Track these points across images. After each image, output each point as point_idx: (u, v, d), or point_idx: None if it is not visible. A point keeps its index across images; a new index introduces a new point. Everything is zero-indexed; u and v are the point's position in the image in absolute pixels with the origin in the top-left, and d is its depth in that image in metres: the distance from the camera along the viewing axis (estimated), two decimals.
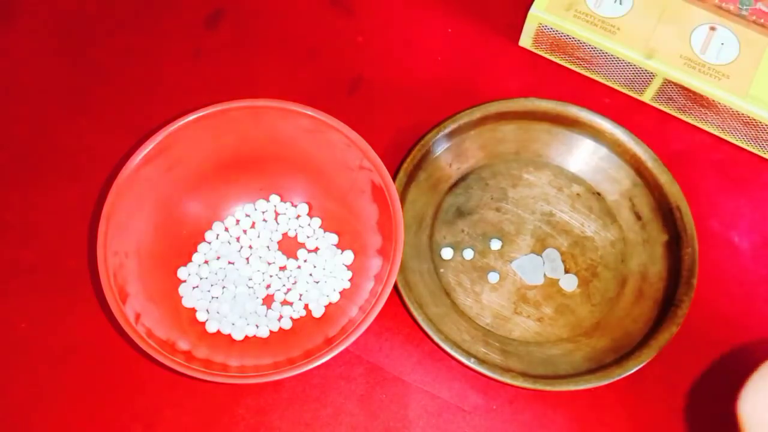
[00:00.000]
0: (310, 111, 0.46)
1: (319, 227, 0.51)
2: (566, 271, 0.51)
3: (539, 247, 0.52)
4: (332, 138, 0.47)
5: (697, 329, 0.50)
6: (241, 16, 0.60)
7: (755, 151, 0.55)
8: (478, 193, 0.53)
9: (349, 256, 0.49)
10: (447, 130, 0.51)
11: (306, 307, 0.49)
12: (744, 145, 0.56)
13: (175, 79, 0.57)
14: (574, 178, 0.53)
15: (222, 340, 0.47)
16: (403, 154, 0.51)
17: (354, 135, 0.46)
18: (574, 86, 0.57)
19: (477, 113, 0.52)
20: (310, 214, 0.51)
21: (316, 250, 0.51)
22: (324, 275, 0.49)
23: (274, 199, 0.52)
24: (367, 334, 0.50)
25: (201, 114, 0.46)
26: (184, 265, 0.49)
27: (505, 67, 0.58)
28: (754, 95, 0.52)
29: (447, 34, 0.60)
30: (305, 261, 0.50)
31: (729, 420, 0.48)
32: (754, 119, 0.53)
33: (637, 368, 0.46)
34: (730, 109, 0.53)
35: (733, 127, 0.55)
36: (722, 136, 0.56)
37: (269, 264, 0.50)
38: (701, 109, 0.55)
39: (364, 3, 0.60)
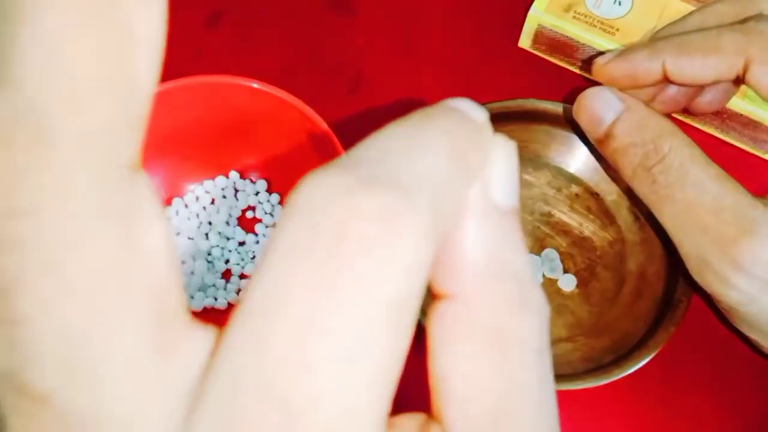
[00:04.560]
0: (259, 85, 0.46)
1: (278, 203, 0.52)
2: (565, 272, 0.51)
3: (538, 247, 0.52)
4: (287, 114, 0.47)
5: (697, 329, 0.50)
6: (241, 16, 0.60)
7: (755, 151, 0.55)
8: None
9: None
10: None
11: None
12: (744, 146, 0.56)
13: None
14: (573, 179, 0.53)
15: None
16: None
17: (308, 110, 0.46)
18: (573, 86, 0.57)
19: None
20: (269, 191, 0.52)
21: (274, 225, 0.51)
22: None
23: (234, 175, 0.52)
24: None
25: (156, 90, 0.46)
26: None
27: (505, 67, 0.58)
28: (753, 96, 0.52)
29: (447, 34, 0.60)
30: (264, 236, 0.51)
31: (729, 420, 0.49)
32: (754, 120, 0.53)
33: (636, 368, 0.45)
34: (730, 109, 0.53)
35: (732, 128, 0.55)
36: (722, 136, 0.56)
37: (228, 239, 0.51)
38: None
39: (364, 3, 0.61)
